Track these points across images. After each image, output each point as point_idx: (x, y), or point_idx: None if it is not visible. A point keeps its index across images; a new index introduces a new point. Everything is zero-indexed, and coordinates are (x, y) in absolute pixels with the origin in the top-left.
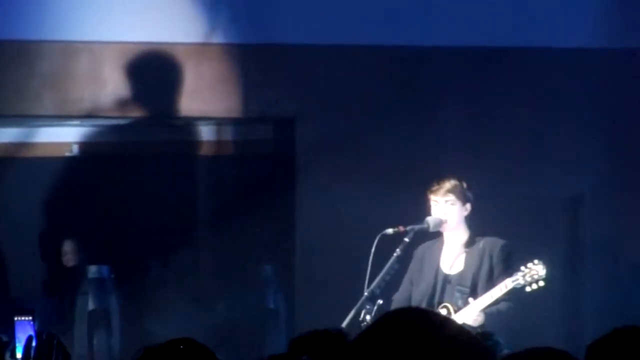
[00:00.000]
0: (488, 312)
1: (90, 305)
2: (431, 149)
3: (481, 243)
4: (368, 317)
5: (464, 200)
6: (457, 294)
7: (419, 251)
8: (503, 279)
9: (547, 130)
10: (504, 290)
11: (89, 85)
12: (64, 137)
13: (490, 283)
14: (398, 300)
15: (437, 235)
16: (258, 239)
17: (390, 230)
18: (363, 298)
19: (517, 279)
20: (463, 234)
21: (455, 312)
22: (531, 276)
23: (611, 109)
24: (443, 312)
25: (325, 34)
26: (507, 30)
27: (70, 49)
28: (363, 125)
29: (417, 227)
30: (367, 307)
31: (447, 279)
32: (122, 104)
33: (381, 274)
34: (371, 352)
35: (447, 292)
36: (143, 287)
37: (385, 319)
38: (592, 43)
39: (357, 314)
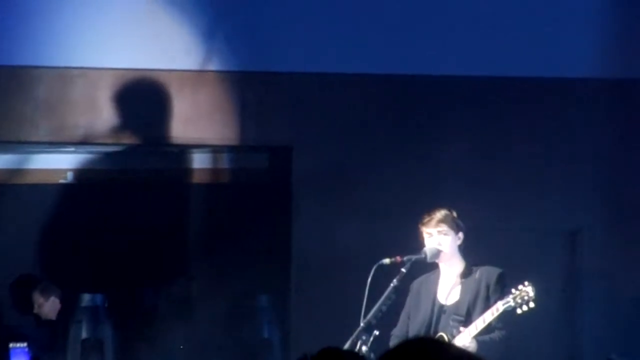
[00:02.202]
0: (480, 340)
1: (84, 334)
2: (429, 180)
3: (477, 273)
4: (364, 348)
5: (456, 229)
6: (452, 323)
7: (415, 285)
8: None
9: (545, 163)
10: (496, 314)
11: (84, 111)
12: (59, 163)
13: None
14: (396, 335)
15: (433, 267)
16: (253, 268)
17: (387, 261)
18: (359, 329)
19: (508, 302)
20: (459, 264)
21: (449, 341)
22: (521, 298)
23: (610, 141)
24: None
25: (323, 63)
26: (505, 61)
27: (65, 75)
28: (360, 154)
29: (414, 257)
30: (363, 337)
31: (442, 309)
32: (117, 130)
33: (377, 305)
34: None
35: (442, 322)
36: (137, 316)
37: (400, 347)
38: (592, 73)
39: (353, 344)
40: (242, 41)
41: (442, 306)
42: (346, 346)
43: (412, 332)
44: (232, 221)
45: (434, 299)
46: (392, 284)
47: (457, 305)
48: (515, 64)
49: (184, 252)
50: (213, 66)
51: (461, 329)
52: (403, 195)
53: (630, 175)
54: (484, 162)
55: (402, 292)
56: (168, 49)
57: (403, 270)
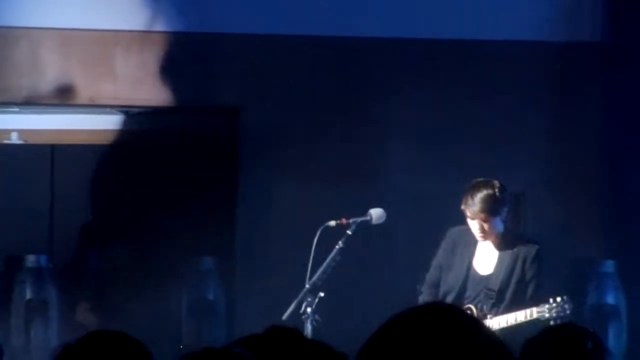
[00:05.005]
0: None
1: (28, 295)
2: (375, 142)
3: (516, 247)
4: (309, 310)
5: (495, 212)
6: (483, 297)
7: (451, 236)
8: (532, 300)
9: (488, 126)
10: (528, 318)
11: (28, 72)
12: (3, 124)
13: (520, 288)
14: (429, 282)
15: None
16: (198, 230)
17: (332, 223)
18: (304, 290)
19: (543, 311)
20: (498, 236)
21: (477, 316)
22: (557, 312)
23: (554, 104)
24: None
25: (270, 24)
26: (450, 23)
27: (9, 34)
28: (307, 116)
29: (359, 219)
30: (309, 299)
31: (476, 278)
32: (62, 91)
33: (323, 267)
34: (397, 345)
35: (473, 291)
36: (81, 277)
37: (417, 311)
38: (538, 36)
39: (298, 306)
40: (189, 2)
41: (475, 274)
42: (291, 308)
43: (443, 290)
44: (178, 183)
45: (469, 263)
46: (337, 246)
47: (490, 277)
48: (458, 27)
49: (130, 213)
50: (159, 27)
51: (488, 310)
52: (349, 158)
53: (572, 137)
54: (430, 124)
55: (347, 254)
56: (113, 8)
57: (349, 232)
